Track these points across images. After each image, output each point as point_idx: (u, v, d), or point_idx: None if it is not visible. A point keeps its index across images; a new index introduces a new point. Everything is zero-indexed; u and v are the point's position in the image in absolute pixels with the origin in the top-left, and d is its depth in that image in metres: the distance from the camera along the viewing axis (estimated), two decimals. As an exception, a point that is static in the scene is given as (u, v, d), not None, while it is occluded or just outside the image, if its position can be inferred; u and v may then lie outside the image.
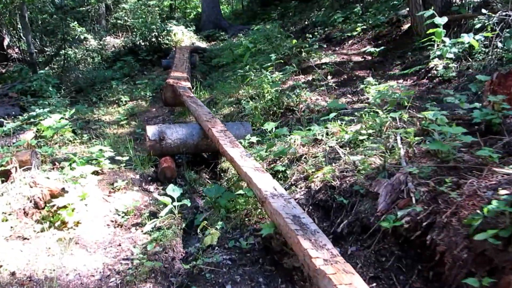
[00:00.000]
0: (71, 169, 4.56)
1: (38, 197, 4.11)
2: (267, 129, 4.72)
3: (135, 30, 13.06)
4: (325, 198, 3.32)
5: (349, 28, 10.80)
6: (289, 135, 4.51)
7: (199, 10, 18.29)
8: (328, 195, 3.33)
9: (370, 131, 4.05)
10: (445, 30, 6.54)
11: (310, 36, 11.31)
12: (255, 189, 3.37)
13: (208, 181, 4.93)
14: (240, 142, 4.50)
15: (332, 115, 4.25)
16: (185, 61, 10.20)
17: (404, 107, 4.05)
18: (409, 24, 9.44)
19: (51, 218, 3.96)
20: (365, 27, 10.23)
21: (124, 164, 4.92)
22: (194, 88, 8.03)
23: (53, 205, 3.94)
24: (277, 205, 2.97)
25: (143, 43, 12.57)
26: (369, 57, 8.59)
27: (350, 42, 10.33)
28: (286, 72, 5.85)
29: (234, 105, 6.97)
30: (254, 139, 5.05)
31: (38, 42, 13.07)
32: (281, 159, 4.38)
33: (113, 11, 15.03)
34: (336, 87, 6.71)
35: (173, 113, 7.37)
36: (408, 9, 10.21)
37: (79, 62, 10.83)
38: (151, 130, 4.98)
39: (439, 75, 6.53)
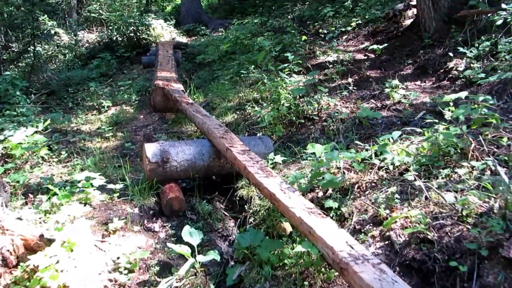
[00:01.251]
0: (51, 205, 3.30)
1: (8, 250, 2.86)
2: (306, 151, 3.59)
3: (111, 24, 11.50)
4: (421, 257, 2.27)
5: (342, 23, 9.79)
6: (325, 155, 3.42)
7: (177, 2, 16.75)
8: (423, 252, 2.29)
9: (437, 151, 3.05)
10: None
11: (302, 31, 10.23)
12: (321, 245, 2.28)
13: (226, 213, 3.78)
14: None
15: (395, 134, 3.19)
16: (170, 59, 8.86)
17: (481, 124, 3.05)
18: (411, 20, 8.54)
19: (26, 282, 2.74)
20: (360, 22, 9.24)
21: (118, 194, 3.69)
22: (188, 91, 6.78)
23: (29, 264, 2.72)
24: (369, 278, 1.90)
25: (120, 39, 11.06)
26: (372, 55, 7.62)
27: (344, 38, 9.32)
28: (310, 77, 4.73)
29: (237, 112, 5.80)
30: (279, 158, 3.94)
31: (3, 38, 11.28)
32: (319, 186, 3.30)
33: (86, 4, 13.31)
34: (352, 90, 5.68)
35: (165, 120, 6.10)
36: (404, 3, 9.35)
37: (50, 60, 9.26)
38: (152, 150, 3.75)
39: (461, 76, 5.62)
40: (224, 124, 4.41)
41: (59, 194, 3.29)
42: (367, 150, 3.22)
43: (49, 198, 3.28)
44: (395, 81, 5.23)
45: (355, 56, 7.64)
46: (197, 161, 3.88)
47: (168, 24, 12.64)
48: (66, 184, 3.71)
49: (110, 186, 3.63)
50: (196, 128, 5.10)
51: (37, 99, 7.30)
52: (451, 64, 5.95)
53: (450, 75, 5.84)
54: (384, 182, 3.11)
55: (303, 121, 4.73)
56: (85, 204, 3.43)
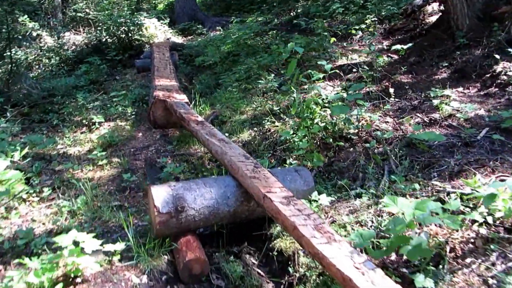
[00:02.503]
0: (27, 285, 2.35)
1: None
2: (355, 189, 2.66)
3: (100, 24, 10.42)
4: None
5: (354, 20, 8.88)
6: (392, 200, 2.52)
7: (170, 0, 15.66)
8: None
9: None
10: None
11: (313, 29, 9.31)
12: None
13: (262, 273, 2.86)
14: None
15: (510, 183, 2.29)
16: (168, 63, 7.86)
17: None
18: (433, 16, 7.67)
19: None
20: (375, 19, 8.34)
21: (119, 257, 2.75)
22: (193, 103, 5.81)
23: None
24: None
25: (110, 40, 9.99)
26: (394, 56, 6.73)
27: (358, 36, 8.42)
28: (355, 90, 3.80)
29: (253, 127, 4.86)
30: (324, 199, 3.03)
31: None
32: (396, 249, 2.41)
33: (71, 2, 12.17)
34: (388, 100, 4.79)
35: (168, 139, 5.12)
36: (422, -2, 8.48)
37: (31, 66, 8.20)
38: (161, 197, 2.81)
39: (512, 82, 4.79)
40: (246, 152, 3.47)
41: (38, 269, 2.33)
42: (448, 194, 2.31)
43: (20, 278, 2.32)
44: (446, 91, 4.35)
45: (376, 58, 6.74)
46: (220, 207, 2.95)
47: (162, 23, 11.59)
48: (48, 246, 2.75)
49: (108, 247, 2.68)
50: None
51: (16, 116, 6.27)
52: (498, 68, 5.10)
53: (499, 81, 4.99)
54: (489, 245, 2.23)
55: (342, 143, 3.82)
56: (74, 277, 2.49)
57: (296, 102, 3.81)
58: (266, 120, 4.83)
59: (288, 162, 3.76)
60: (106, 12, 10.01)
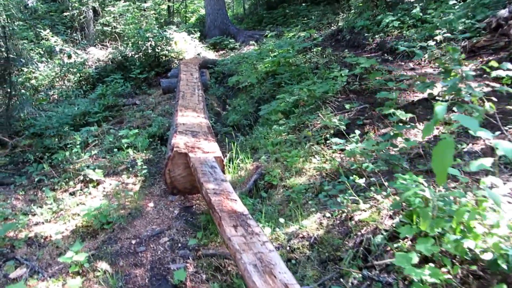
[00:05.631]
0: None
1: None
2: None
3: (126, 39, 8.58)
4: None
5: (417, 36, 6.64)
6: None
7: (201, 13, 13.72)
8: None
9: None
10: None
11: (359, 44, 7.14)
12: None
13: None
14: None
15: None
16: (196, 86, 5.87)
17: None
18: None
19: None
20: (449, 35, 6.07)
21: None
22: (228, 157, 3.78)
23: None
24: None
25: (136, 56, 8.12)
26: (496, 84, 4.50)
27: (426, 55, 6.18)
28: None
29: (321, 207, 2.78)
30: None
31: None
32: None
33: (100, 16, 10.40)
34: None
35: (191, 216, 3.03)
36: (509, 9, 6.17)
37: (37, 88, 6.44)
38: None
39: None
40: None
41: None
42: None
43: None
44: None
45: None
46: None
47: (192, 37, 9.65)
48: None
49: None
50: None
51: (10, 153, 4.44)
52: None
53: None
54: None
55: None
56: None
57: (431, 211, 1.70)
58: (342, 196, 2.73)
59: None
60: (133, 25, 8.13)
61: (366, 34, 7.74)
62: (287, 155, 3.57)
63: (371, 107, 4.49)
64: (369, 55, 7.21)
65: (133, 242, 2.65)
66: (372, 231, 2.53)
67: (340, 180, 2.96)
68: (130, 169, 3.68)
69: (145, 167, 3.65)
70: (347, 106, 4.20)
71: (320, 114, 4.17)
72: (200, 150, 3.25)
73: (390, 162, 2.79)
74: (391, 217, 2.63)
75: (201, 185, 2.62)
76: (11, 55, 5.00)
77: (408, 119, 3.73)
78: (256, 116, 5.83)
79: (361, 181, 2.72)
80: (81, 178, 3.55)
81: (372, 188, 2.77)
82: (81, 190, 3.43)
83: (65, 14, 10.84)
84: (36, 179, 3.57)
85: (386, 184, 2.73)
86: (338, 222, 2.68)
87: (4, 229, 2.60)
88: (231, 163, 3.71)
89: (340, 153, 3.62)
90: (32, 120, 4.99)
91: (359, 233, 2.56)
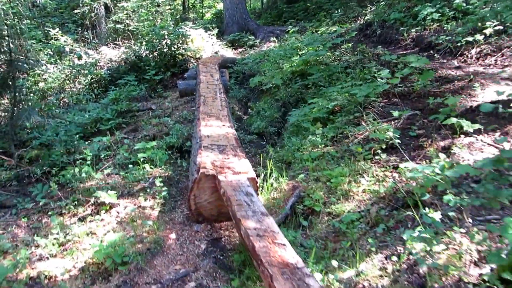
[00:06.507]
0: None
1: None
2: None
3: (139, 37, 8.16)
4: None
5: (460, 30, 5.98)
6: None
7: (219, 8, 13.21)
8: None
9: None
10: None
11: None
12: None
13: None
14: None
15: None
16: (218, 89, 5.38)
17: None
18: None
19: None
20: (501, 27, 5.41)
21: None
22: (257, 173, 3.29)
23: None
24: None
25: (150, 56, 7.69)
26: None
27: (473, 51, 5.54)
28: None
29: (381, 247, 2.25)
30: None
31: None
32: None
33: (112, 13, 10.01)
34: None
35: (221, 253, 2.51)
36: None
37: (47, 95, 6.08)
38: None
39: None
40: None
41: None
42: None
43: None
44: None
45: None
46: None
47: (209, 34, 9.17)
48: None
49: None
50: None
51: (15, 164, 4.07)
52: None
53: None
54: None
55: None
56: None
57: None
58: (404, 232, 2.21)
59: None
60: (147, 22, 7.70)
61: (401, 28, 7.12)
62: (330, 174, 3.05)
63: (422, 114, 3.92)
64: (404, 51, 6.59)
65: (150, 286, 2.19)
66: (455, 283, 2.00)
67: (400, 209, 2.42)
68: (147, 192, 3.21)
69: (165, 188, 3.18)
70: (395, 113, 3.63)
71: (363, 123, 3.62)
72: (230, 170, 2.76)
73: (481, 196, 2.22)
74: (476, 264, 2.09)
75: (238, 221, 2.12)
76: (16, 58, 4.60)
77: (473, 130, 3.17)
78: (283, 121, 5.32)
79: (436, 215, 2.18)
80: (92, 200, 3.12)
81: (449, 224, 2.23)
82: (91, 215, 2.99)
83: (75, 11, 10.52)
84: (41, 203, 3.15)
85: (469, 220, 2.18)
86: (406, 267, 2.15)
87: (0, 274, 2.18)
88: (264, 181, 3.21)
89: (392, 172, 3.08)
90: (37, 133, 4.59)
91: (436, 285, 2.03)
